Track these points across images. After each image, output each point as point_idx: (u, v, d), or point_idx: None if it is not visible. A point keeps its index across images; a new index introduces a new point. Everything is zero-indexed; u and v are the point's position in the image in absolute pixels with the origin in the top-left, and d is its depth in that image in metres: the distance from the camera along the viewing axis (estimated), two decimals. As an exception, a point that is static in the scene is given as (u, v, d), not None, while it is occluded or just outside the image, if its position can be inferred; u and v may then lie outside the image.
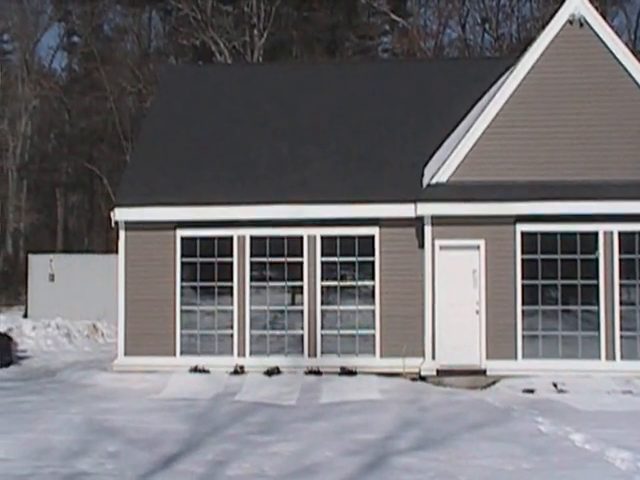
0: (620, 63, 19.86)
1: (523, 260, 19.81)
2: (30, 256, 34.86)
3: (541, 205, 19.58)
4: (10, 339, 23.99)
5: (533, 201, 19.56)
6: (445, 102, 22.49)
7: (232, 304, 20.76)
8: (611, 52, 19.87)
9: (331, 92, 24.14)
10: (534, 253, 19.82)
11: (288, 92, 24.29)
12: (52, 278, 33.05)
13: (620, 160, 19.73)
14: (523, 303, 19.75)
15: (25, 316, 32.53)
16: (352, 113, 23.19)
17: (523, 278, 19.79)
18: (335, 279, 20.71)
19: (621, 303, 19.66)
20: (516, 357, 19.65)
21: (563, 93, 19.98)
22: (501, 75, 22.08)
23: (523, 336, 19.70)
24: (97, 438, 13.44)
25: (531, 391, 18.22)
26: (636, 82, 19.82)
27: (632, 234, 19.74)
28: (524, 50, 21.77)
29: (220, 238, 20.90)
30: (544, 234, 19.83)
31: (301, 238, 20.73)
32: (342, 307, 20.65)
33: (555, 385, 18.48)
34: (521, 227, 19.81)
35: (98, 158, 53.72)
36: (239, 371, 20.14)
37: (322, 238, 20.68)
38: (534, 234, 19.85)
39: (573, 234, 19.80)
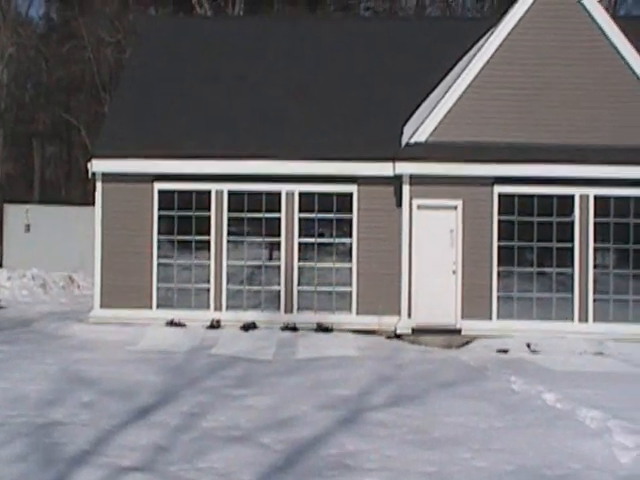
0: (600, 27, 19.85)
1: (500, 221, 19.93)
2: (6, 206, 34.59)
3: (519, 167, 19.65)
4: (-15, 289, 23.92)
5: (511, 163, 19.63)
6: (426, 61, 22.43)
7: (209, 258, 20.77)
8: (591, 16, 19.83)
9: (312, 48, 24.00)
10: (511, 215, 19.94)
11: (268, 47, 24.10)
12: (28, 229, 32.90)
13: (599, 124, 19.78)
14: (499, 264, 19.90)
15: (0, 266, 32.39)
16: (333, 70, 23.09)
17: (499, 239, 19.91)
18: (312, 236, 20.74)
19: (595, 266, 19.87)
20: (491, 317, 19.84)
21: (544, 55, 19.96)
22: (482, 35, 22.03)
23: (498, 297, 19.88)
24: (72, 388, 13.45)
25: (505, 351, 18.41)
26: (615, 47, 19.82)
27: (607, 198, 19.89)
28: (506, 11, 21.63)
29: (198, 192, 20.84)
30: (521, 196, 19.95)
31: (279, 194, 20.71)
32: (319, 264, 20.71)
33: (529, 345, 18.69)
34: (499, 189, 19.88)
35: (76, 109, 53.08)
36: (215, 325, 20.20)
37: (300, 194, 20.68)
38: (511, 196, 19.95)
39: (550, 197, 19.93)
